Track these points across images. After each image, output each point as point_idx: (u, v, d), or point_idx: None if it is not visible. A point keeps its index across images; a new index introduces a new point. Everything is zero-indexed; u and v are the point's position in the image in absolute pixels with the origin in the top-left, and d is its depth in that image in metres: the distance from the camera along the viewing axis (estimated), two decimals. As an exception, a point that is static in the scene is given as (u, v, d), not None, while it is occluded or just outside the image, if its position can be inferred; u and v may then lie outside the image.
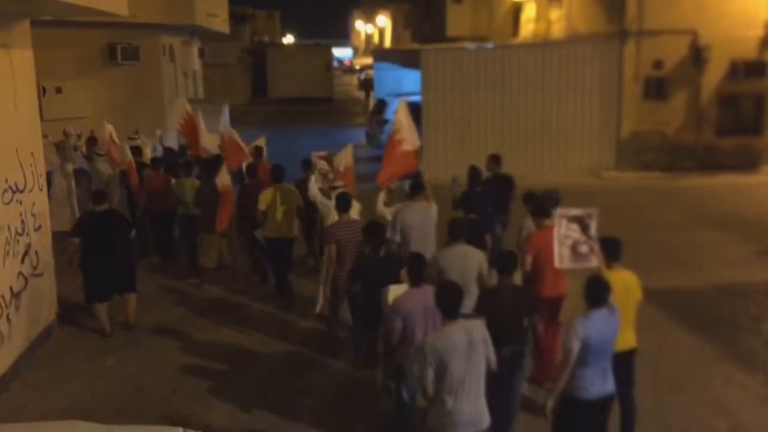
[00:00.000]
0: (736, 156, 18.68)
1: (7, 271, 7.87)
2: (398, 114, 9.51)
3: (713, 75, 18.55)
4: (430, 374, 4.90)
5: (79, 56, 18.96)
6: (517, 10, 27.27)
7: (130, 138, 14.07)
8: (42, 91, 16.01)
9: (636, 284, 6.25)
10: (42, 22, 10.17)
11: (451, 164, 18.75)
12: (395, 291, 6.06)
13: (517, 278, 6.48)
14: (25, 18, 8.72)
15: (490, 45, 23.98)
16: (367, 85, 39.12)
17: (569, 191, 17.18)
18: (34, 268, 8.59)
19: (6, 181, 7.96)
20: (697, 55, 18.37)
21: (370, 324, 6.80)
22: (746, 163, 18.58)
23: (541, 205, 7.08)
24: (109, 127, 13.13)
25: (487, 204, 9.49)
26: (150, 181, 11.44)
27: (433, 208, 8.35)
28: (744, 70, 18.47)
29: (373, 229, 6.98)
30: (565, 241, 6.21)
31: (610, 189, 17.53)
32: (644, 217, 14.85)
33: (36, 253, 8.64)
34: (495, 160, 10.78)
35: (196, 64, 26.69)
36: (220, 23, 25.26)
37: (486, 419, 5.07)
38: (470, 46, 22.40)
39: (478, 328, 5.08)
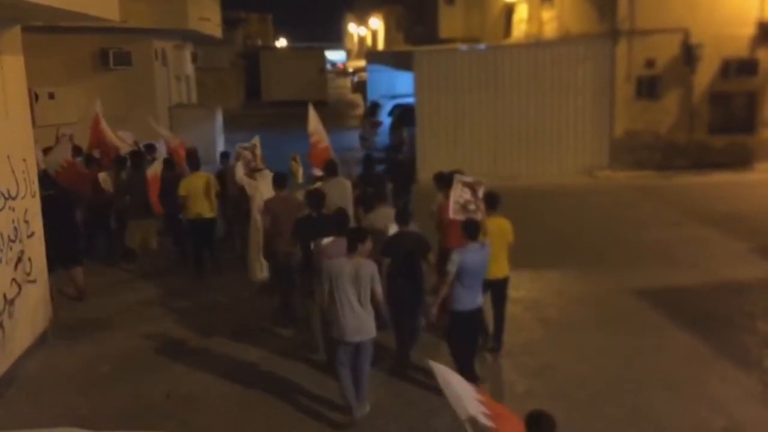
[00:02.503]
0: (729, 154, 18.74)
1: (0, 278, 7.85)
2: (310, 120, 11.77)
3: (705, 73, 18.60)
4: (325, 288, 6.58)
5: (72, 62, 18.93)
6: (509, 11, 27.33)
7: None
8: (34, 97, 15.97)
9: (509, 229, 8.20)
10: (34, 28, 10.17)
11: (445, 165, 18.71)
12: (325, 242, 7.56)
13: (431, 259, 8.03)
14: (15, 24, 8.69)
15: (482, 46, 24.01)
16: (360, 88, 39.13)
17: (563, 191, 17.33)
18: (28, 274, 8.56)
19: (-2, 187, 7.94)
20: (689, 54, 18.42)
21: (311, 272, 7.89)
22: (739, 161, 18.62)
23: (450, 181, 8.35)
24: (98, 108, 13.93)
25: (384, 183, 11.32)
26: (76, 176, 11.98)
27: (348, 183, 10.16)
28: (736, 68, 18.51)
29: (313, 195, 8.52)
30: (459, 199, 7.92)
31: (604, 188, 17.57)
32: (638, 215, 14.88)
33: (29, 259, 8.61)
34: (396, 148, 12.88)
35: (189, 69, 26.67)
36: (213, 27, 25.25)
37: (370, 331, 6.68)
38: (463, 47, 22.42)
39: (367, 265, 6.62)
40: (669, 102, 18.92)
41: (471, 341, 7.48)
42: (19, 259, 8.35)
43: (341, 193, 9.77)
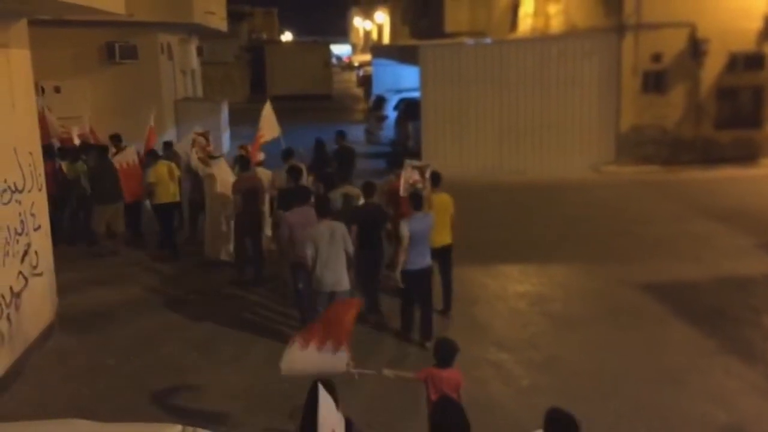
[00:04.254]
0: (736, 149, 18.68)
1: (7, 271, 7.88)
2: (263, 118, 12.70)
3: (712, 68, 18.54)
4: (311, 252, 7.76)
5: (78, 55, 18.93)
6: (515, 5, 27.25)
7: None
8: (40, 91, 16.00)
9: (450, 203, 9.32)
10: (40, 21, 10.16)
11: (450, 159, 18.78)
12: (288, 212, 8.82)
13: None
14: (22, 17, 8.71)
15: (488, 40, 23.94)
16: (365, 81, 39.08)
17: (568, 185, 17.30)
18: (34, 267, 8.59)
19: (5, 181, 7.96)
20: (696, 48, 18.35)
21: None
22: (746, 156, 18.57)
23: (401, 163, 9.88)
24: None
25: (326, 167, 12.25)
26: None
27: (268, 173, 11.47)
28: (743, 62, 18.45)
29: (293, 169, 10.12)
30: (409, 179, 9.30)
31: (610, 183, 17.55)
32: (643, 210, 14.86)
33: (36, 252, 8.65)
34: (341, 135, 13.82)
35: (195, 63, 26.66)
36: (218, 21, 25.21)
37: (344, 284, 7.88)
38: (468, 41, 22.36)
39: (339, 227, 7.94)
40: (675, 96, 18.86)
41: (425, 300, 8.60)
42: (26, 252, 8.38)
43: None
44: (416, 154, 19.34)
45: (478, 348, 8.41)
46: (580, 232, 13.33)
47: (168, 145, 13.95)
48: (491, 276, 11.01)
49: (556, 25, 22.85)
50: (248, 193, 10.52)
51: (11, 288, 7.92)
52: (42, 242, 8.93)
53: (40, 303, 8.71)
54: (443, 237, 9.08)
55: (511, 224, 13.98)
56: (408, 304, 8.70)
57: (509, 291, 10.42)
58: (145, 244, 12.71)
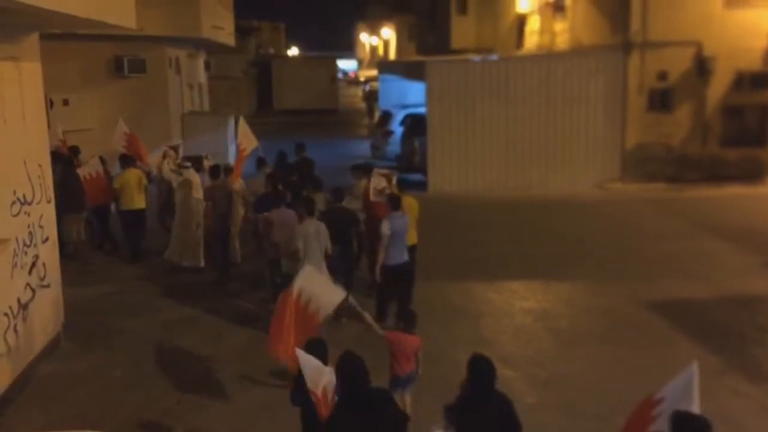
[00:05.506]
0: (742, 167, 18.67)
1: (15, 283, 7.92)
2: (240, 131, 13.09)
3: (718, 86, 18.58)
4: (301, 245, 8.63)
5: (86, 68, 19.06)
6: (521, 22, 27.37)
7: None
8: (49, 103, 16.10)
9: (416, 206, 10.25)
10: (50, 35, 10.26)
11: (456, 175, 18.85)
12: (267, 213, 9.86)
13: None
14: (33, 31, 8.80)
15: (494, 57, 24.07)
16: (370, 97, 39.21)
17: (573, 202, 17.31)
18: (42, 279, 8.63)
19: (14, 193, 8.02)
20: (702, 67, 18.41)
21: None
22: (752, 174, 18.56)
23: (367, 171, 10.98)
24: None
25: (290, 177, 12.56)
26: None
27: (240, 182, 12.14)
28: (749, 81, 18.49)
29: (271, 176, 10.98)
30: (377, 186, 10.29)
31: (615, 200, 17.55)
32: (649, 227, 14.85)
33: (43, 264, 8.69)
34: (300, 147, 13.92)
35: (202, 77, 26.80)
36: (226, 36, 25.38)
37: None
38: (475, 57, 22.48)
39: (323, 226, 8.89)
40: (681, 114, 18.89)
41: (404, 292, 9.33)
42: (34, 264, 8.42)
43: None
44: (422, 170, 19.42)
45: (483, 364, 8.38)
46: (585, 248, 13.32)
47: (123, 158, 13.68)
48: (496, 291, 11.01)
49: (562, 42, 22.94)
50: (219, 200, 11.30)
51: (19, 299, 7.95)
52: (50, 254, 8.97)
53: (47, 314, 8.73)
54: (410, 237, 9.77)
55: (516, 240, 13.98)
56: (382, 296, 9.49)
57: (515, 307, 10.41)
58: (117, 248, 13.17)
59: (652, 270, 11.96)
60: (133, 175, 12.69)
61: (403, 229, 9.24)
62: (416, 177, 19.94)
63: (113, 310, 10.36)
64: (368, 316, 7.08)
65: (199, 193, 11.93)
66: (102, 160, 13.37)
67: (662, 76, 18.68)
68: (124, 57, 19.37)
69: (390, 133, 24.18)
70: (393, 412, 4.87)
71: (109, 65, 19.48)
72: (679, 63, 18.59)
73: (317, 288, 6.98)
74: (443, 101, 18.78)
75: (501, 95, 18.78)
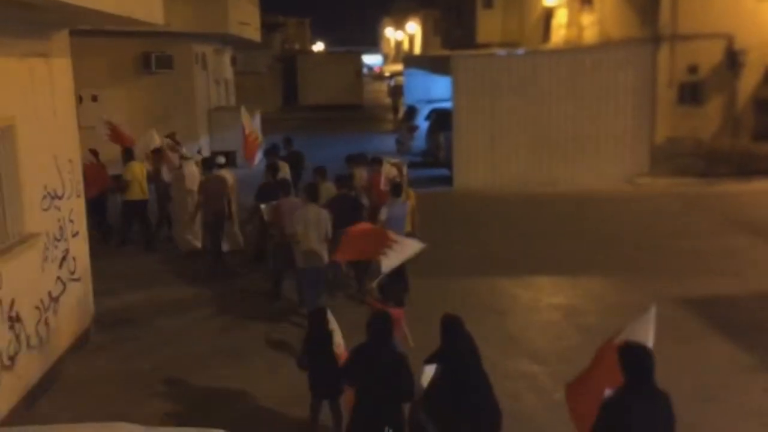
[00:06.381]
0: (773, 161, 18.37)
1: (46, 276, 8.02)
2: (245, 121, 15.27)
3: (749, 79, 18.28)
4: (300, 229, 9.05)
5: (115, 65, 19.28)
6: (548, 16, 27.14)
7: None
8: (79, 99, 16.30)
9: (413, 195, 10.78)
10: (79, 31, 10.36)
11: (482, 170, 18.74)
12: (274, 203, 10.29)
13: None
14: (64, 28, 8.90)
15: (520, 51, 23.89)
16: (395, 92, 39.17)
17: (602, 198, 17.13)
18: (72, 273, 8.73)
19: (45, 187, 8.12)
20: (733, 60, 18.11)
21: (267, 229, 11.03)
22: (783, 169, 18.24)
23: (379, 161, 11.69)
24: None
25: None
26: None
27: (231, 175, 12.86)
28: (781, 74, 18.17)
29: (272, 165, 11.96)
30: (389, 175, 10.97)
31: (644, 195, 17.35)
32: (679, 223, 14.65)
33: (74, 258, 8.79)
34: (288, 141, 14.93)
35: (228, 72, 26.97)
36: (252, 31, 25.49)
37: (324, 259, 9.25)
38: (501, 52, 22.35)
39: (324, 212, 9.33)
40: (712, 108, 18.61)
41: (402, 272, 9.73)
42: (64, 258, 8.53)
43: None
44: (447, 165, 19.35)
45: (510, 359, 8.35)
46: (614, 244, 13.18)
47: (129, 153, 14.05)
48: (522, 287, 10.93)
49: (590, 35, 22.71)
50: (213, 192, 11.59)
51: (50, 293, 8.06)
52: (80, 248, 9.08)
53: (77, 308, 8.84)
54: (406, 224, 10.36)
55: (543, 236, 13.87)
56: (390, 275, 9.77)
57: (542, 303, 10.33)
58: (124, 241, 13.48)
59: (682, 266, 11.79)
60: (139, 167, 13.10)
61: (402, 215, 9.97)
62: (441, 172, 20.00)
63: (141, 304, 10.45)
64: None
65: (193, 185, 12.35)
66: (93, 152, 13.57)
67: (692, 69, 18.42)
68: (151, 53, 19.55)
69: (415, 128, 24.13)
70: (391, 352, 5.61)
71: (137, 61, 19.68)
72: (709, 56, 18.31)
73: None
74: (469, 96, 18.67)
75: (527, 90, 18.61)
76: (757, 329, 9.11)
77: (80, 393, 7.82)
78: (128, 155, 13.25)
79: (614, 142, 18.72)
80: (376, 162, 11.74)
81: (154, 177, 13.43)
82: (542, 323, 9.61)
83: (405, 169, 11.13)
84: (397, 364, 5.50)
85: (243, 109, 15.88)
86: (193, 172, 12.68)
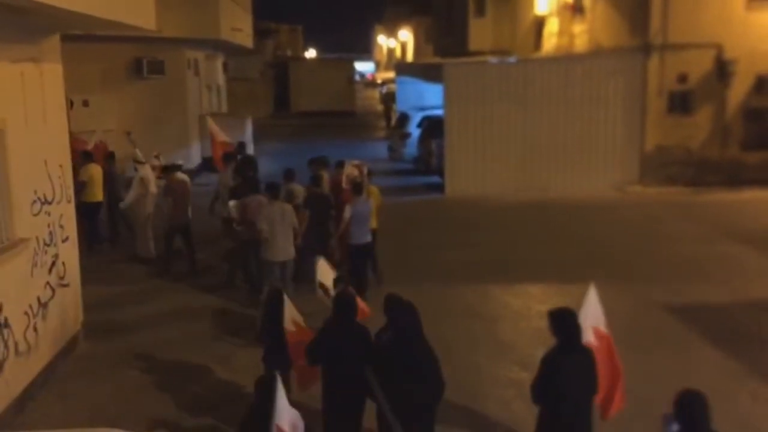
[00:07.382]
0: (762, 171, 18.47)
1: (35, 282, 7.99)
2: (211, 128, 16.65)
3: (739, 89, 18.40)
4: (266, 227, 9.46)
5: (106, 70, 19.26)
6: (539, 24, 27.25)
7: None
8: (70, 104, 16.26)
9: (378, 194, 11.48)
10: (70, 36, 10.35)
11: (473, 177, 18.80)
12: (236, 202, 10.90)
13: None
14: (55, 32, 8.89)
15: (512, 59, 23.99)
16: (387, 99, 39.24)
17: (592, 205, 17.20)
18: (61, 278, 8.70)
19: (35, 192, 8.09)
20: (722, 69, 18.24)
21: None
22: (772, 178, 18.36)
23: (342, 164, 12.22)
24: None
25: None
26: None
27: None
28: (770, 84, 18.29)
29: (237, 170, 12.07)
30: (350, 175, 11.54)
31: (634, 203, 17.42)
32: (668, 231, 14.72)
33: (63, 263, 8.76)
34: (242, 145, 15.54)
35: (220, 78, 26.97)
36: (244, 37, 25.53)
37: (291, 254, 9.72)
38: (492, 59, 22.42)
39: (288, 207, 9.83)
40: (701, 117, 18.73)
41: (372, 263, 10.85)
42: (54, 264, 8.49)
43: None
44: (439, 172, 19.38)
45: (500, 367, 8.37)
46: (603, 252, 13.23)
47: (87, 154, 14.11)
48: (512, 294, 10.96)
49: (581, 44, 22.82)
50: (179, 195, 11.99)
51: (39, 298, 8.02)
52: (69, 253, 9.04)
53: (66, 313, 8.80)
54: (372, 221, 10.86)
55: (534, 243, 13.91)
56: (358, 269, 10.51)
57: (532, 310, 10.35)
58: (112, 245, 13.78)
59: (671, 274, 11.85)
60: (96, 169, 13.32)
61: (366, 212, 10.50)
62: (433, 179, 20.03)
63: (131, 309, 10.42)
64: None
65: (153, 189, 12.78)
66: (87, 153, 13.61)
67: (682, 78, 18.53)
68: (143, 58, 19.54)
69: (407, 135, 24.18)
70: (357, 325, 6.09)
71: (129, 66, 19.67)
72: (699, 65, 18.43)
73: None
74: (461, 103, 18.74)
75: (519, 97, 18.71)
76: (745, 336, 9.16)
77: (69, 399, 7.78)
78: (87, 157, 13.37)
79: (604, 150, 18.82)
80: (339, 165, 12.29)
81: (109, 179, 13.66)
82: (532, 330, 9.62)
83: (366, 170, 11.82)
84: (365, 335, 5.95)
85: (209, 119, 17.22)
86: (147, 175, 12.97)
